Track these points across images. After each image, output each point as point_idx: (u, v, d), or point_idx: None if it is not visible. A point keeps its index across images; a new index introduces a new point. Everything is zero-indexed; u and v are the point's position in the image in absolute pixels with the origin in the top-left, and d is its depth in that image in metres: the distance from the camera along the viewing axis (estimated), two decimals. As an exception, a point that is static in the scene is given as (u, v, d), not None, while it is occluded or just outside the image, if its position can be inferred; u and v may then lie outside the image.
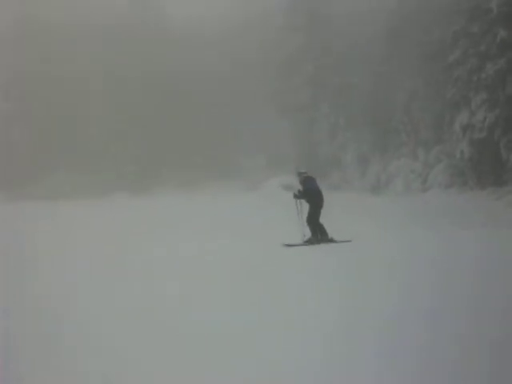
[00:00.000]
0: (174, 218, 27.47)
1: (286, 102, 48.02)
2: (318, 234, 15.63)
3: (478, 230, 18.22)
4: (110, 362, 5.87)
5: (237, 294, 8.99)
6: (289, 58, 48.52)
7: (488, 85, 32.62)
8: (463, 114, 34.46)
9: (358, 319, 7.17)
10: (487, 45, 32.69)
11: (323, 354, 5.95)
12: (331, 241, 15.53)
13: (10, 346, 6.52)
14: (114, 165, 52.81)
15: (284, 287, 9.43)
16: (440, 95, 37.95)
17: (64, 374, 5.66)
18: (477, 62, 33.64)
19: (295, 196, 16.14)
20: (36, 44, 54.07)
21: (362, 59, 45.16)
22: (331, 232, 15.92)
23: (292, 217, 16.60)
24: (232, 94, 51.71)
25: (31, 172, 52.70)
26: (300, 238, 15.75)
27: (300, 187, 16.18)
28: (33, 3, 54.65)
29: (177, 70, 52.68)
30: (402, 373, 5.40)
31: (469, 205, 30.03)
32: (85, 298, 8.85)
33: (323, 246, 15.01)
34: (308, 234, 15.87)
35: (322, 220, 15.79)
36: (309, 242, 15.58)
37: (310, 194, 15.83)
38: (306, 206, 16.07)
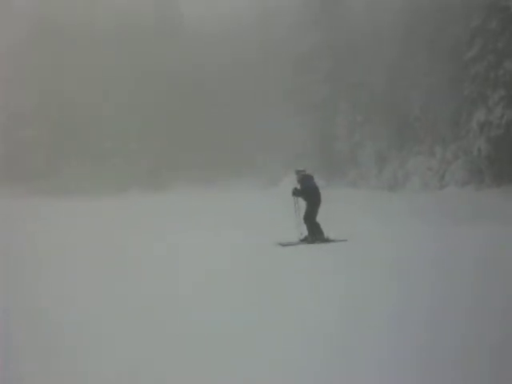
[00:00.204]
0: (184, 216, 27.46)
1: (302, 99, 47.89)
2: (315, 233, 15.65)
3: (493, 228, 18.09)
4: (109, 362, 5.90)
5: (237, 292, 9.01)
6: (305, 56, 48.33)
7: (505, 82, 32.42)
8: (480, 111, 34.26)
9: (358, 319, 7.18)
10: (504, 42, 32.50)
11: (323, 353, 5.98)
12: (327, 240, 15.57)
13: (10, 346, 6.56)
14: (129, 162, 52.98)
15: (282, 286, 9.45)
16: (457, 92, 37.70)
17: (64, 374, 5.70)
18: (494, 58, 33.44)
19: (293, 193, 16.21)
20: (51, 44, 54.33)
21: (379, 56, 44.87)
22: (341, 230, 15.95)
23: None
24: (248, 91, 51.61)
25: (45, 168, 53.02)
26: (297, 237, 15.78)
27: (298, 185, 16.23)
28: (48, 5, 54.89)
29: (192, 67, 52.66)
30: (402, 372, 5.41)
31: (485, 202, 29.80)
32: (86, 297, 8.88)
33: (321, 245, 15.03)
34: (305, 232, 15.88)
35: (336, 217, 15.82)
36: (305, 241, 15.62)
37: (308, 192, 15.89)
38: (303, 204, 16.16)
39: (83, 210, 33.37)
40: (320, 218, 15.75)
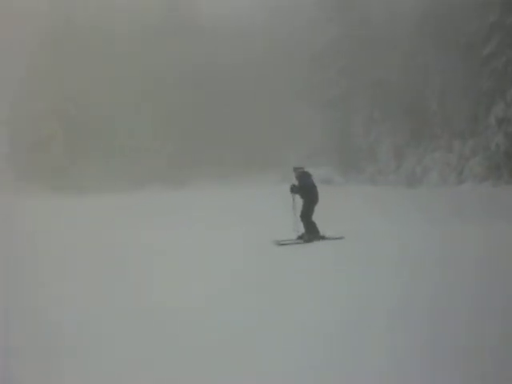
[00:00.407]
0: (202, 212, 27.48)
1: (318, 95, 47.71)
2: (311, 231, 15.64)
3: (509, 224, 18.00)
4: (110, 362, 5.94)
5: (235, 291, 9.04)
6: (321, 52, 48.17)
7: (524, 77, 32.15)
8: (498, 107, 34.00)
9: (357, 317, 7.17)
10: (523, 37, 32.22)
11: (323, 352, 5.98)
12: (323, 238, 15.57)
13: (10, 346, 6.61)
14: (151, 158, 53.10)
15: (277, 284, 9.47)
16: (475, 87, 37.40)
17: (64, 374, 5.74)
18: (512, 54, 33.18)
19: (291, 190, 16.21)
20: (71, 44, 54.54)
21: (396, 52, 44.67)
22: (344, 227, 15.99)
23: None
24: (264, 88, 51.51)
25: (62, 166, 53.30)
26: (295, 234, 15.80)
27: (296, 182, 16.30)
28: (70, 5, 55.16)
29: (211, 64, 52.62)
30: (402, 372, 5.41)
31: (503, 198, 29.58)
32: (87, 297, 8.94)
33: (317, 243, 15.06)
34: (301, 229, 15.90)
35: (339, 214, 15.84)
36: (301, 239, 15.61)
37: (305, 190, 15.92)
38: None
39: (97, 207, 33.44)
40: (324, 214, 15.76)
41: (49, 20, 55.42)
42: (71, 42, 54.47)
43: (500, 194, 31.71)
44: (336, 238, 15.39)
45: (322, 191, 16.23)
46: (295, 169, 16.57)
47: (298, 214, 15.93)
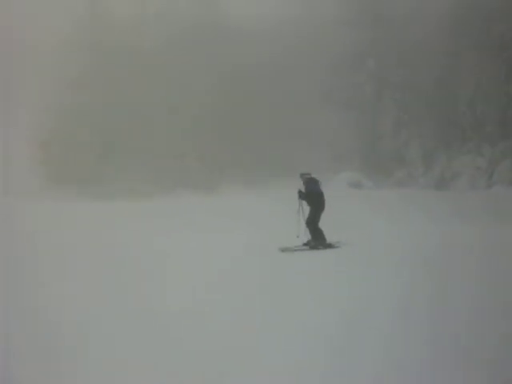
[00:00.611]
0: (228, 216, 27.54)
1: (346, 98, 47.66)
2: (317, 238, 15.55)
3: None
4: (110, 363, 5.95)
5: (238, 295, 9.01)
6: (351, 54, 48.08)
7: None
8: (528, 110, 33.66)
9: (359, 321, 7.12)
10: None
11: (324, 354, 5.95)
12: (329, 245, 15.47)
13: (10, 346, 6.65)
14: (179, 163, 53.33)
15: (282, 290, 9.44)
16: (504, 90, 37.06)
17: (64, 374, 5.76)
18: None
19: (299, 196, 16.15)
20: (100, 49, 55.03)
21: (426, 54, 44.42)
22: (355, 233, 15.94)
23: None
24: (291, 91, 51.44)
25: (95, 170, 53.72)
26: (301, 241, 15.75)
27: (303, 188, 16.30)
28: (96, 4, 55.64)
29: (239, 68, 52.75)
30: (402, 372, 5.35)
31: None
32: (92, 297, 8.98)
33: (323, 251, 14.99)
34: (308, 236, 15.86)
35: (354, 219, 15.77)
36: (307, 246, 15.54)
37: (312, 197, 15.85)
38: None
39: (108, 211, 33.57)
40: (344, 219, 15.75)
41: (81, 18, 56.03)
42: (100, 47, 54.91)
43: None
44: (343, 246, 15.34)
45: (349, 195, 16.24)
46: (302, 175, 16.54)
47: (305, 220, 15.91)
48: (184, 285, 9.97)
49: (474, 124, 41.49)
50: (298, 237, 15.55)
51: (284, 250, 15.22)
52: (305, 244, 15.64)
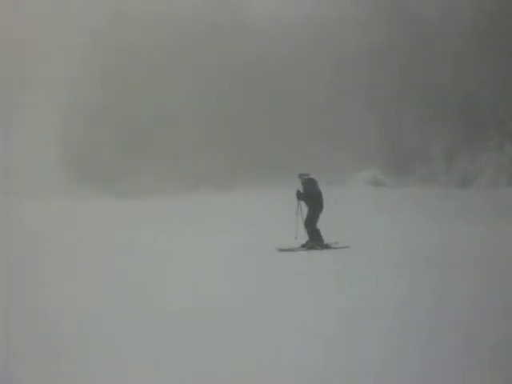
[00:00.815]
0: (246, 216, 27.62)
1: (371, 95, 47.65)
2: (315, 239, 15.53)
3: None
4: (110, 363, 5.96)
5: (237, 296, 9.02)
6: (375, 52, 48.05)
7: None
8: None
9: (358, 322, 7.09)
10: None
11: (324, 354, 5.93)
12: (327, 246, 15.42)
13: (10, 346, 6.67)
14: (199, 161, 53.47)
15: (279, 290, 9.43)
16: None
17: (64, 374, 5.77)
18: None
19: (298, 197, 16.11)
20: (123, 47, 55.35)
21: (449, 52, 44.30)
22: (360, 235, 15.96)
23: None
24: (318, 88, 51.40)
25: (118, 169, 54.06)
26: (299, 242, 15.78)
27: (301, 189, 16.40)
28: (116, 5, 55.91)
29: (261, 66, 52.79)
30: (402, 373, 5.34)
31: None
32: (92, 297, 9.00)
33: (321, 252, 14.98)
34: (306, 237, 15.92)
35: (358, 219, 15.79)
36: (305, 246, 15.52)
37: (310, 197, 15.83)
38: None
39: (126, 211, 33.72)
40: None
41: (101, 21, 56.37)
42: (123, 45, 55.19)
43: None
44: (341, 247, 15.34)
45: (371, 192, 16.29)
46: (300, 175, 16.55)
47: (303, 220, 15.92)
48: (184, 284, 9.98)
49: (496, 122, 41.24)
50: (296, 238, 15.56)
51: (282, 250, 15.22)
52: (303, 245, 15.66)
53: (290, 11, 53.06)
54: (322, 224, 15.82)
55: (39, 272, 11.96)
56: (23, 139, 54.55)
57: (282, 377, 5.44)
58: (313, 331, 6.77)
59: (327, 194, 16.45)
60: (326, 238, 15.68)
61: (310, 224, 15.66)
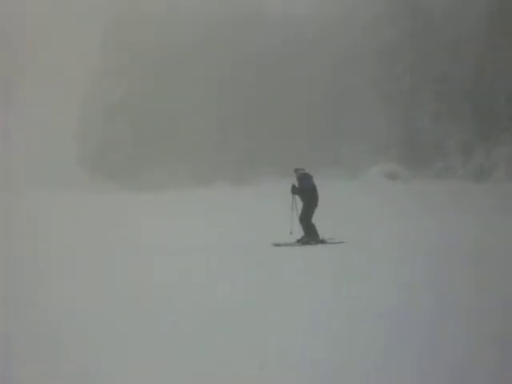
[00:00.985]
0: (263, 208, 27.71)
1: (387, 89, 47.79)
2: (310, 234, 15.56)
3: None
4: (110, 363, 5.95)
5: (232, 291, 9.04)
6: (389, 46, 48.17)
7: None
8: None
9: (355, 320, 7.10)
10: None
11: (324, 354, 5.93)
12: (322, 241, 15.44)
13: (10, 346, 6.67)
14: (216, 154, 53.60)
15: (274, 285, 9.46)
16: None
17: (64, 374, 5.77)
18: None
19: (292, 191, 16.13)
20: (137, 44, 55.42)
21: (464, 46, 44.48)
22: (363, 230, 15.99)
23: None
24: (332, 82, 51.41)
25: (135, 163, 54.24)
26: (294, 237, 15.79)
27: (296, 183, 16.31)
28: (136, 5, 56.02)
29: (277, 60, 52.84)
30: (402, 372, 5.32)
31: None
32: (92, 297, 9.00)
33: (316, 246, 14.98)
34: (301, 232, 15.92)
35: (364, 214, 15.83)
36: (300, 242, 15.53)
37: (305, 192, 15.82)
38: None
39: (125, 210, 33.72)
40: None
41: (115, 17, 56.44)
42: (137, 42, 55.28)
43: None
44: (336, 243, 15.36)
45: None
46: (296, 170, 16.53)
47: (298, 215, 15.95)
48: (184, 284, 9.98)
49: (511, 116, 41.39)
50: (291, 233, 15.57)
51: (277, 245, 15.26)
52: (298, 240, 15.68)
53: (306, 11, 53.12)
54: (321, 219, 15.84)
55: (39, 272, 11.96)
56: (28, 137, 54.81)
57: (280, 375, 5.43)
58: (308, 327, 6.82)
59: (333, 189, 16.51)
60: (326, 233, 15.69)
61: (305, 219, 15.67)
